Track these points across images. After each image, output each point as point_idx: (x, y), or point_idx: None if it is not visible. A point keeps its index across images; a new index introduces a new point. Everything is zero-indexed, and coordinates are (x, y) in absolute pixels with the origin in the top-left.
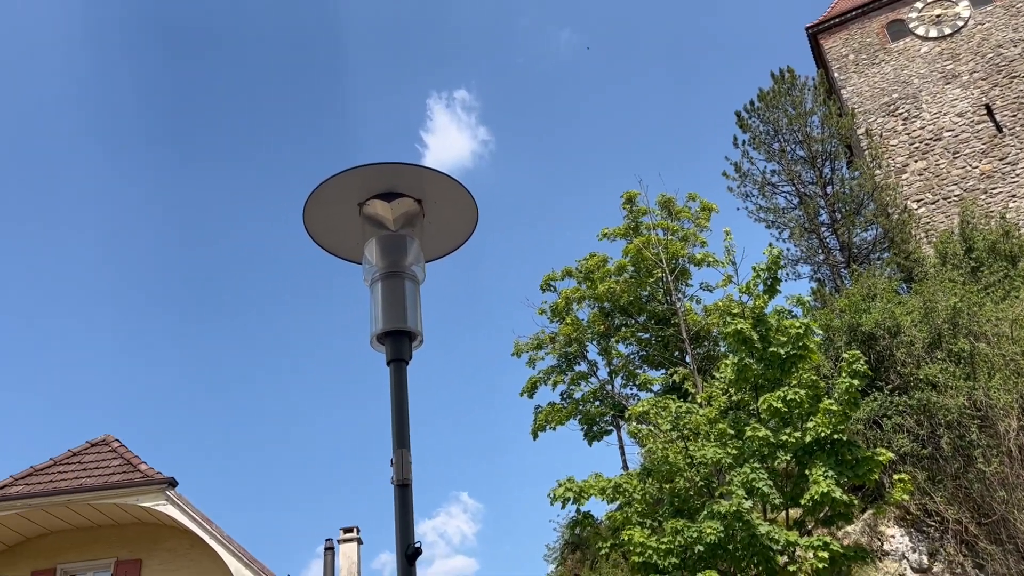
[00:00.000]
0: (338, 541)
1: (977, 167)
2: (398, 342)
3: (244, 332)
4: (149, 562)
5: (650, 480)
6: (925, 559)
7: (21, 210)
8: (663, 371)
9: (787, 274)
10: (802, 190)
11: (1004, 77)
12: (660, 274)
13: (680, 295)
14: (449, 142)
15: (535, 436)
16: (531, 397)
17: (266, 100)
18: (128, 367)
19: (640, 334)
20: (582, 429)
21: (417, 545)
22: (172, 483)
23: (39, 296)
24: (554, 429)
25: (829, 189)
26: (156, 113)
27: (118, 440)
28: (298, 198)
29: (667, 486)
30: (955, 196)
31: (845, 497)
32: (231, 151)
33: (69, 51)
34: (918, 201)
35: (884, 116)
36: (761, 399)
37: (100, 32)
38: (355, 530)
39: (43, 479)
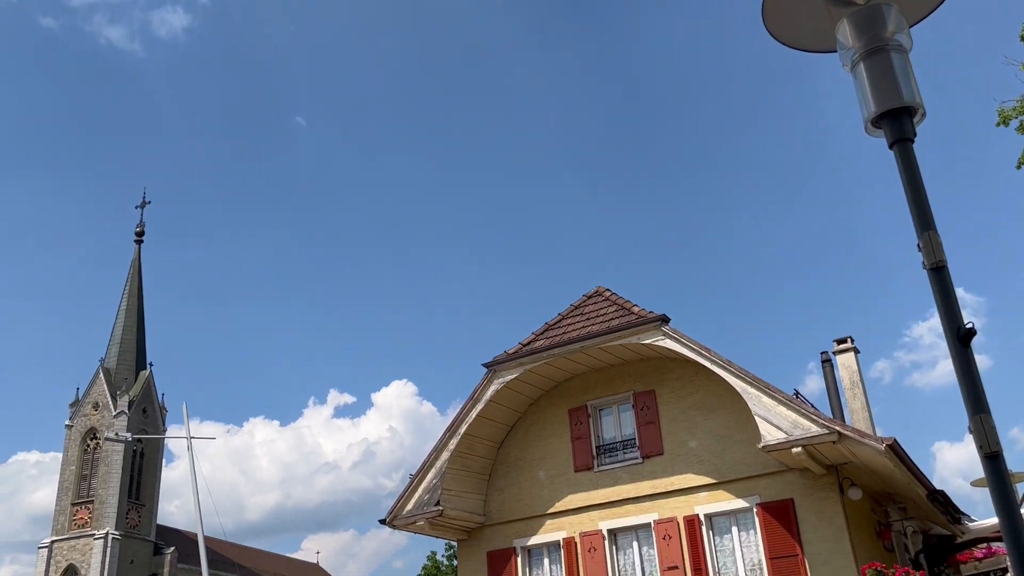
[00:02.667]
0: (833, 353)
1: None
2: (897, 121)
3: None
4: (661, 391)
5: None
6: None
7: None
8: None
9: None
10: None
11: None
12: None
13: None
14: None
15: None
16: None
17: None
18: (607, 221)
19: None
20: None
21: (969, 326)
22: (665, 319)
23: (513, 166)
24: None
25: None
26: None
27: (608, 289)
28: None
29: None
30: None
31: None
32: None
33: None
34: None
35: None
36: None
37: None
38: (849, 340)
39: (557, 332)
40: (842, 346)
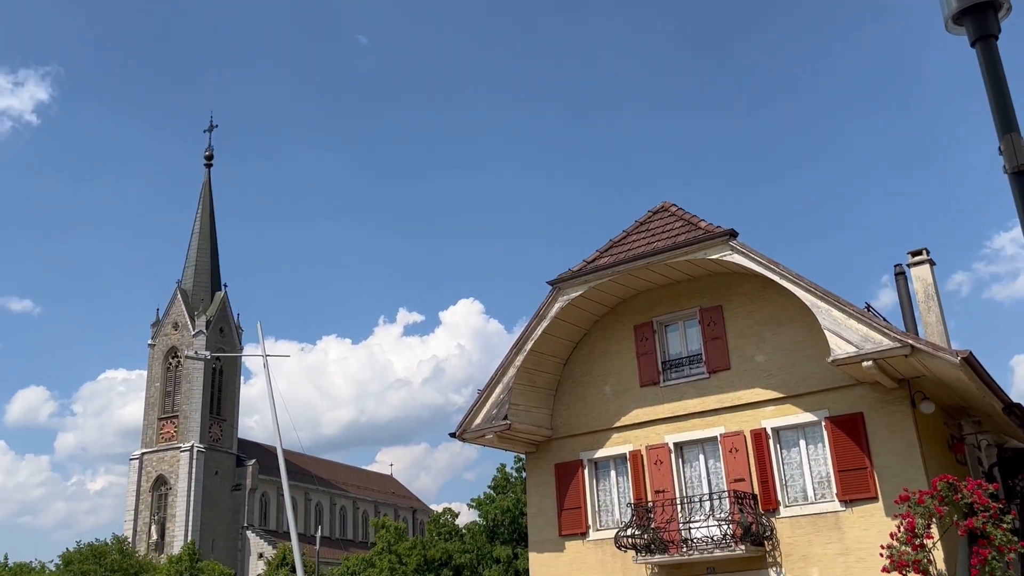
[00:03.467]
0: (907, 265)
1: None
2: (980, 16)
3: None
4: (729, 306)
5: None
6: None
7: None
8: None
9: None
10: None
11: None
12: None
13: None
14: None
15: None
16: None
17: None
18: (675, 136)
19: None
20: None
21: None
22: (732, 234)
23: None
24: None
25: None
26: None
27: (675, 205)
28: None
29: None
30: None
31: None
32: None
33: None
34: None
35: None
36: None
37: None
38: (924, 252)
39: (622, 249)
40: (917, 258)
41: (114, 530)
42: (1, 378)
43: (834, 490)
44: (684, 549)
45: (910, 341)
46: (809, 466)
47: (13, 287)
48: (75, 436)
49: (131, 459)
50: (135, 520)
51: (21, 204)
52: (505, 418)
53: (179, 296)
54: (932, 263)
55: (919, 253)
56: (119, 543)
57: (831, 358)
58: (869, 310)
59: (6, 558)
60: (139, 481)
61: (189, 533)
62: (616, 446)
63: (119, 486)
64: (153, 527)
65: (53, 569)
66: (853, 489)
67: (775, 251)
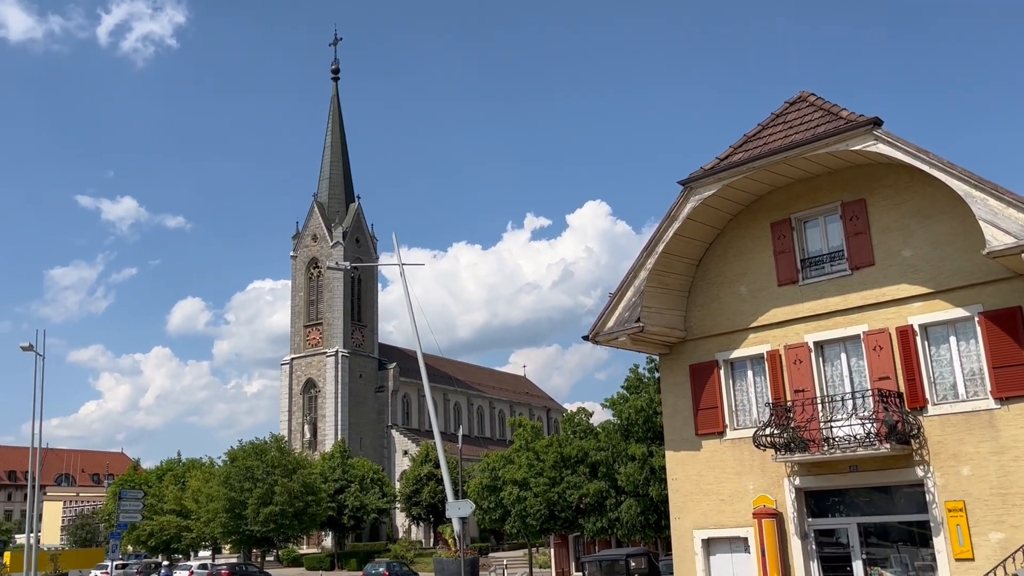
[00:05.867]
0: None
1: None
2: None
3: None
4: (872, 199)
5: None
6: None
7: None
8: None
9: None
10: None
11: None
12: None
13: None
14: None
15: None
16: None
17: None
18: (807, 20)
19: None
20: None
21: None
22: (877, 122)
23: None
24: None
25: None
26: None
27: (813, 94)
28: None
29: None
30: None
31: None
32: None
33: None
34: None
35: None
36: None
37: None
38: None
39: (757, 143)
40: None
41: (271, 429)
42: (161, 291)
43: (988, 387)
44: (825, 448)
45: None
46: (960, 363)
47: (167, 205)
48: (230, 343)
49: (282, 364)
50: (289, 420)
51: (169, 126)
52: (638, 320)
53: (316, 209)
54: None
55: None
56: (277, 441)
57: (987, 250)
58: None
59: (179, 455)
60: (290, 384)
61: (339, 432)
62: (753, 346)
63: (272, 388)
64: (306, 427)
65: (221, 465)
66: (1009, 386)
67: (923, 140)
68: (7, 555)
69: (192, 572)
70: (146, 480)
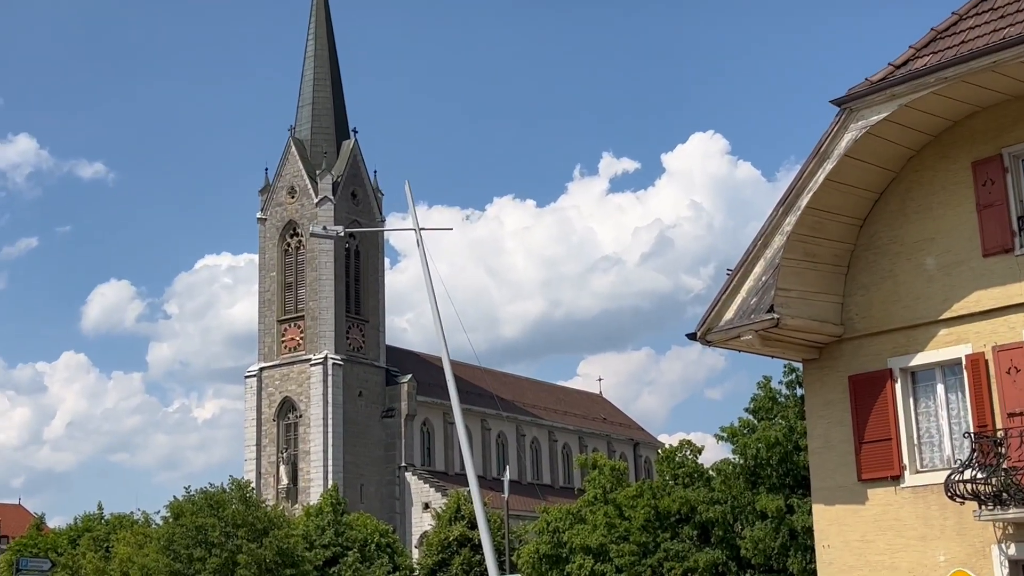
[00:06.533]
0: None
1: None
2: None
3: None
4: None
5: None
6: None
7: None
8: None
9: None
10: None
11: None
12: None
13: None
14: None
15: None
16: None
17: None
18: None
19: None
20: None
21: None
22: None
23: None
24: None
25: None
26: None
27: None
28: None
29: None
30: None
31: None
32: None
33: None
34: None
35: None
36: None
37: None
38: None
39: (951, 43)
40: None
41: (232, 471)
42: (73, 271)
43: None
44: None
45: None
46: None
47: (80, 147)
48: (171, 346)
49: (246, 376)
50: (258, 458)
51: (84, 34)
52: (771, 309)
53: (293, 149)
54: None
55: None
56: (240, 489)
57: None
58: None
59: (100, 508)
60: (259, 407)
61: (329, 476)
62: (945, 347)
63: (234, 413)
64: (282, 468)
65: (160, 523)
66: None
67: None
68: None
69: None
70: (54, 544)
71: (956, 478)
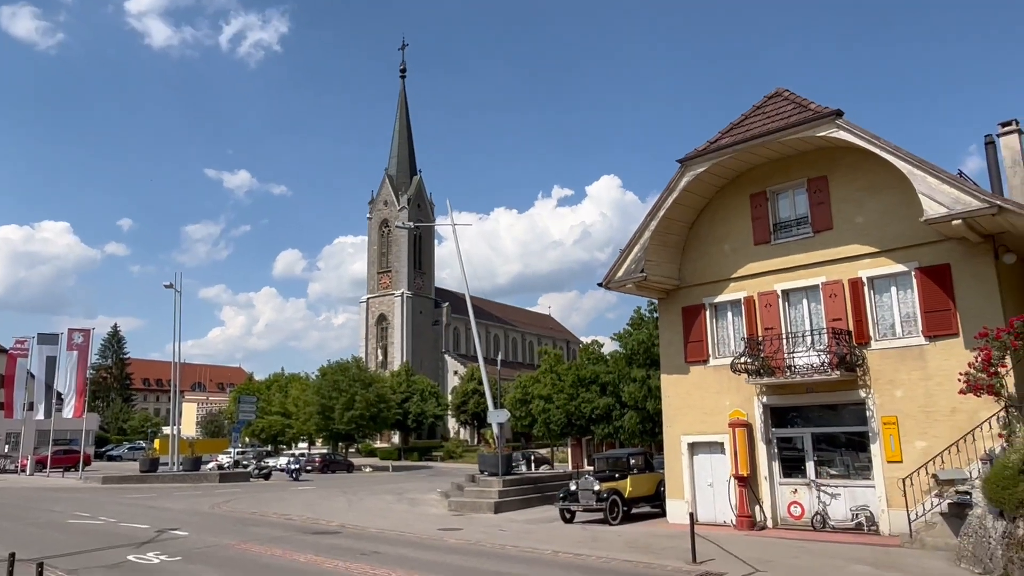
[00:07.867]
0: (997, 135)
1: None
2: None
3: None
4: (833, 176)
5: None
6: None
7: None
8: None
9: None
10: None
11: None
12: None
13: None
14: None
15: None
16: None
17: None
18: (782, 19)
19: None
20: None
21: None
22: (839, 113)
23: None
24: None
25: None
26: None
27: (788, 90)
28: None
29: None
30: None
31: None
32: None
33: None
34: None
35: None
36: None
37: None
38: (1014, 123)
39: (741, 130)
40: (1007, 128)
41: (353, 352)
42: (268, 243)
43: (920, 327)
44: (788, 373)
45: (998, 202)
46: (898, 308)
47: (273, 176)
48: (321, 285)
49: (360, 302)
50: (366, 345)
51: (274, 113)
52: (642, 271)
53: (386, 180)
54: (1021, 132)
55: (1008, 124)
56: (357, 362)
57: (924, 218)
58: (961, 176)
59: (283, 370)
60: (367, 318)
61: (404, 355)
62: (733, 293)
63: (354, 321)
64: (379, 351)
65: (315, 379)
66: (937, 327)
67: (876, 126)
68: (156, 442)
69: (289, 461)
70: (258, 389)
71: (736, 361)
